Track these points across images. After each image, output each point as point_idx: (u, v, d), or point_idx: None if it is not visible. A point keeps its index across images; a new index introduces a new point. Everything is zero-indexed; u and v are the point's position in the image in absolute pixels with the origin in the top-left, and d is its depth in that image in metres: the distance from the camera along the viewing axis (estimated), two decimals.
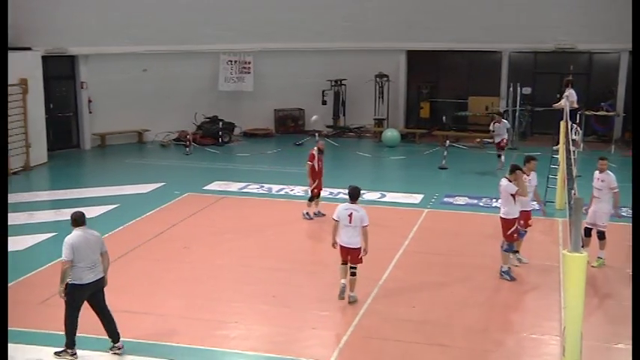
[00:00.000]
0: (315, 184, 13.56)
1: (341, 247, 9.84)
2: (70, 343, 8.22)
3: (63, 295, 8.10)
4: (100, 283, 8.28)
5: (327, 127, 22.71)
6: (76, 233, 8.17)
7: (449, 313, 9.54)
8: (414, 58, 23.10)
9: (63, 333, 8.31)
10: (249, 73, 22.27)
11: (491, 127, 18.11)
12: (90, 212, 13.90)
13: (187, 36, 21.01)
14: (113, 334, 8.37)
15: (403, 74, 23.16)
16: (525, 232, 11.23)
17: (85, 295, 8.18)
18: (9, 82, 16.75)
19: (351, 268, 9.79)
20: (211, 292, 10.23)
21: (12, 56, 17.45)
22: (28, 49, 18.29)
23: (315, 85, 22.38)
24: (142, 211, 14.12)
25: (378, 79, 22.62)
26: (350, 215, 9.61)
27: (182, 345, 8.55)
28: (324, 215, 13.34)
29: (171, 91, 21.44)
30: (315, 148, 13.71)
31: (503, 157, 17.60)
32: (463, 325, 9.20)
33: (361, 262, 9.81)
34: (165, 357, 8.25)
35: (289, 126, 23.09)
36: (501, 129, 17.89)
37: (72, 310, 8.15)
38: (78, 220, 8.24)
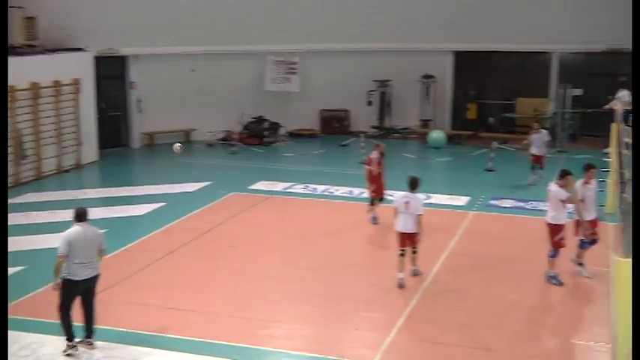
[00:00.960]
0: (374, 188, 13.30)
1: (399, 233, 10.41)
2: (69, 336, 8.28)
3: (56, 287, 8.17)
4: (94, 281, 8.31)
5: (373, 127, 22.66)
6: (75, 229, 8.22)
7: (494, 317, 9.42)
8: (461, 58, 22.88)
9: (105, 326, 8.48)
10: (295, 73, 22.37)
11: (528, 139, 16.37)
12: (137, 210, 14.28)
13: (235, 37, 21.21)
14: (88, 329, 8.40)
15: (450, 75, 22.96)
16: (591, 241, 10.84)
17: (78, 291, 8.20)
18: (63, 82, 17.23)
19: (413, 249, 10.56)
20: (256, 291, 10.30)
21: (65, 57, 17.96)
22: (82, 49, 18.69)
23: (361, 85, 22.35)
24: (188, 209, 14.30)
25: (424, 79, 22.46)
26: (407, 203, 10.32)
27: (226, 343, 8.63)
28: (376, 223, 13.22)
29: (218, 91, 21.67)
30: (375, 152, 13.45)
31: (538, 173, 15.99)
32: (508, 329, 9.07)
33: (420, 242, 10.52)
34: (210, 354, 8.34)
35: (334, 127, 23.11)
36: (538, 141, 16.08)
37: (64, 304, 8.18)
38: (80, 216, 8.29)
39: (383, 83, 22.67)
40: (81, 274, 8.11)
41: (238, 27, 21.21)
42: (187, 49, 20.69)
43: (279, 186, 16.28)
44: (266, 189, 16.07)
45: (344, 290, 10.33)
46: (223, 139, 21.47)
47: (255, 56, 21.81)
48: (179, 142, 13.16)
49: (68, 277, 8.12)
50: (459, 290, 10.31)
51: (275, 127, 21.97)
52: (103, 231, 12.61)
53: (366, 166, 13.41)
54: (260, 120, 21.81)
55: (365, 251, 12.24)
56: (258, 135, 21.57)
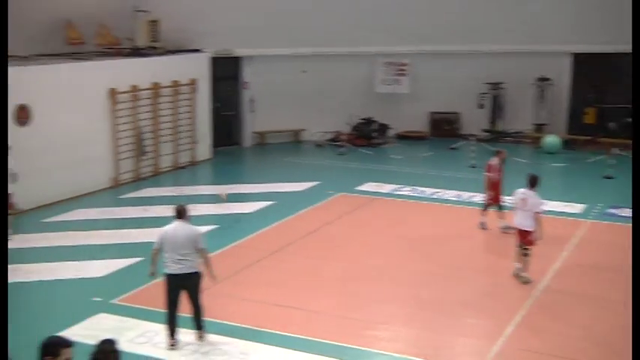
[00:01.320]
0: (492, 195, 12.94)
1: (517, 229, 10.43)
2: (169, 331, 8.44)
3: (150, 275, 8.60)
4: (191, 279, 8.33)
5: (484, 131, 22.13)
6: (170, 225, 8.44)
7: (610, 332, 8.95)
8: (580, 60, 21.90)
9: (213, 319, 8.73)
10: (404, 75, 22.21)
11: None
12: (247, 207, 14.63)
13: (345, 38, 21.32)
14: (197, 323, 8.54)
15: (567, 78, 22.04)
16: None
17: (173, 284, 8.34)
18: (181, 82, 17.91)
19: (524, 248, 10.29)
20: (361, 291, 10.30)
21: (184, 58, 18.66)
22: (199, 51, 19.38)
23: (472, 87, 21.87)
24: (296, 208, 14.50)
25: (539, 82, 21.68)
26: (523, 200, 10.27)
27: (330, 342, 8.67)
28: (484, 228, 12.93)
29: (328, 92, 21.86)
30: (495, 158, 13.10)
31: None
32: (626, 345, 8.58)
33: (532, 244, 10.28)
34: (314, 352, 8.41)
35: (444, 129, 22.74)
36: None
37: (166, 296, 8.41)
38: (178, 213, 8.47)
39: (495, 86, 22.08)
40: (172, 268, 8.31)
41: (349, 29, 21.31)
42: (299, 50, 20.99)
43: (387, 188, 16.21)
44: (373, 190, 16.04)
45: (451, 295, 10.14)
46: (332, 140, 21.61)
47: (365, 58, 21.83)
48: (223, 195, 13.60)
49: (164, 271, 8.41)
50: (572, 301, 9.86)
51: (384, 128, 21.91)
52: (211, 227, 13.21)
53: (486, 173, 13.04)
54: (369, 121, 21.81)
55: (473, 256, 11.96)
56: (366, 136, 21.58)
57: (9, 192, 12.22)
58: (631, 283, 10.46)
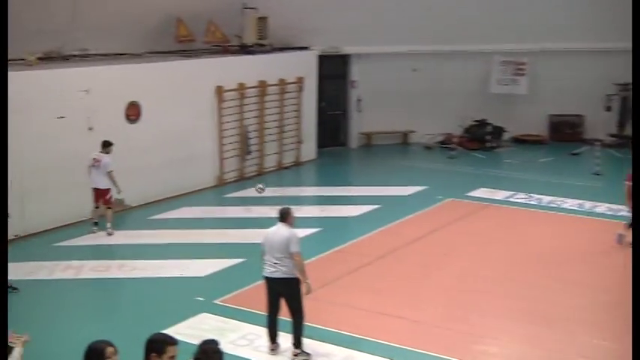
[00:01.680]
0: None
1: None
2: (268, 336, 8.53)
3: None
4: (285, 284, 8.33)
5: (610, 136, 21.19)
6: (272, 227, 8.55)
7: None
8: None
9: (314, 325, 8.84)
10: (523, 74, 21.61)
11: None
12: (352, 211, 14.72)
13: (459, 36, 21.00)
14: (294, 336, 8.47)
15: None
16: None
17: (270, 288, 8.42)
18: (287, 80, 18.24)
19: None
20: (471, 303, 10.15)
21: (291, 55, 18.99)
22: (306, 48, 19.65)
23: (598, 89, 20.99)
24: (402, 213, 14.44)
25: None
26: None
27: (436, 355, 8.59)
28: (621, 242, 12.30)
29: (439, 92, 21.61)
30: None
31: None
32: None
33: None
34: None
35: (565, 133, 21.96)
36: None
37: (267, 300, 8.53)
38: (280, 215, 8.55)
39: (625, 87, 21.08)
40: (267, 271, 8.45)
41: (463, 25, 20.95)
42: (409, 48, 20.87)
43: (500, 194, 15.85)
44: (486, 197, 15.73)
45: (571, 311, 9.80)
46: (442, 143, 21.36)
47: (480, 56, 21.41)
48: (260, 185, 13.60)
49: (262, 273, 8.54)
50: None
51: (498, 131, 21.42)
52: (315, 230, 13.37)
53: (627, 182, 12.45)
54: (482, 123, 21.40)
55: (598, 271, 11.46)
56: (479, 139, 21.18)
57: (107, 188, 12.91)
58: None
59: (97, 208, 13.21)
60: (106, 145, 13.01)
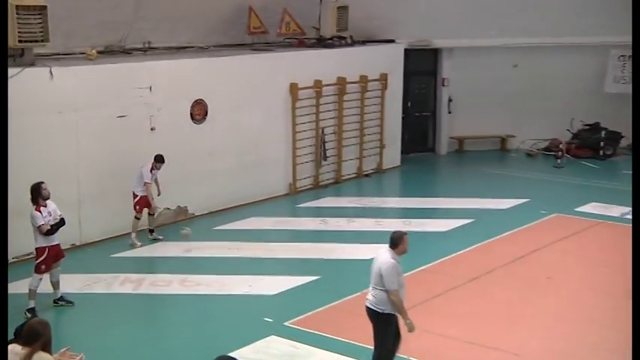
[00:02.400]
0: None
1: None
2: None
3: None
4: (371, 315, 8.25)
5: None
6: (380, 250, 8.38)
7: None
8: None
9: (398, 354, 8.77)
10: None
11: None
12: (440, 226, 14.60)
13: (567, 26, 20.54)
14: None
15: None
16: None
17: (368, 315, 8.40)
18: (370, 77, 18.25)
19: None
20: (577, 335, 9.92)
21: (374, 49, 19.03)
22: (392, 41, 19.64)
23: None
24: (499, 229, 14.25)
25: None
26: None
27: None
28: None
29: (543, 92, 21.20)
30: None
31: None
32: None
33: None
34: None
35: None
36: None
37: None
38: (389, 240, 8.31)
39: None
40: (367, 299, 8.40)
41: (573, 15, 20.49)
42: (510, 41, 20.56)
43: (615, 210, 15.43)
44: (598, 212, 15.35)
45: None
46: (547, 149, 20.96)
47: (593, 50, 20.87)
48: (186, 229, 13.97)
49: (391, 312, 8.30)
50: None
51: (614, 137, 20.83)
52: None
53: None
54: (595, 128, 20.86)
55: None
56: (591, 146, 20.67)
57: (136, 194, 13.22)
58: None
59: (150, 215, 13.61)
60: (158, 160, 13.35)
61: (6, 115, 9.01)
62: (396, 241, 8.23)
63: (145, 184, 13.18)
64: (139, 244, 13.33)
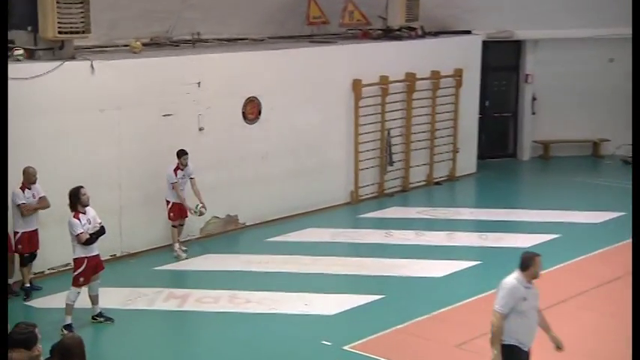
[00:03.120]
0: None
1: None
2: None
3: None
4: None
5: None
6: (511, 279, 8.03)
7: None
8: None
9: None
10: None
11: None
12: (521, 241, 14.44)
13: None
14: None
15: None
16: None
17: None
18: (442, 73, 18.20)
19: None
20: None
21: (448, 41, 18.95)
22: (468, 32, 19.58)
23: None
24: (591, 246, 14.11)
25: None
26: None
27: None
28: None
29: None
30: None
31: None
32: None
33: None
34: None
35: None
36: None
37: None
38: (521, 263, 8.03)
39: None
40: (525, 341, 8.01)
41: None
42: (605, 31, 20.25)
43: None
44: None
45: None
46: None
47: None
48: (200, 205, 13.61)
49: (513, 344, 8.00)
50: None
51: None
52: (475, 263, 13.27)
53: None
54: None
55: None
56: None
57: (168, 201, 13.39)
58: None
59: (178, 226, 13.73)
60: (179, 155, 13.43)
61: (6, 114, 9.28)
62: (526, 262, 7.99)
63: (173, 185, 13.30)
64: (184, 255, 13.56)
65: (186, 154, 13.31)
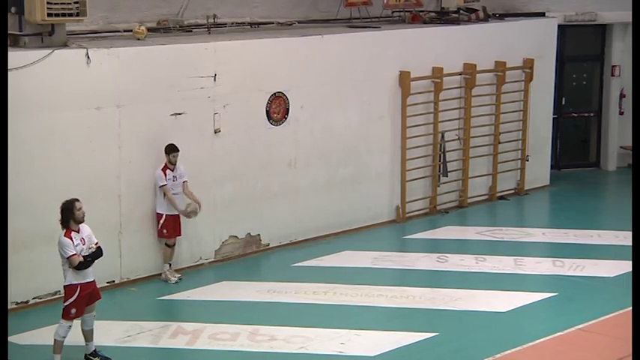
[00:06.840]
0: None
1: None
2: None
3: None
4: None
5: None
6: None
7: None
8: None
9: None
10: None
11: None
12: (605, 269, 14.41)
13: None
14: None
15: None
16: None
17: None
18: (508, 64, 18.11)
19: None
20: None
21: (515, 26, 18.81)
22: (542, 15, 19.52)
23: None
24: None
25: None
26: None
27: None
28: None
29: None
30: None
31: None
32: None
33: None
34: None
35: None
36: None
37: None
38: None
39: None
40: None
41: None
42: None
43: None
44: None
45: None
46: None
47: None
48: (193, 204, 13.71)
49: None
50: None
51: None
52: (549, 295, 13.20)
53: None
54: None
55: None
56: None
57: (159, 213, 13.54)
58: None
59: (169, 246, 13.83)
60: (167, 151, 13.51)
61: (6, 114, 9.44)
62: None
63: (162, 189, 13.35)
64: (173, 279, 13.66)
65: (177, 150, 13.42)
